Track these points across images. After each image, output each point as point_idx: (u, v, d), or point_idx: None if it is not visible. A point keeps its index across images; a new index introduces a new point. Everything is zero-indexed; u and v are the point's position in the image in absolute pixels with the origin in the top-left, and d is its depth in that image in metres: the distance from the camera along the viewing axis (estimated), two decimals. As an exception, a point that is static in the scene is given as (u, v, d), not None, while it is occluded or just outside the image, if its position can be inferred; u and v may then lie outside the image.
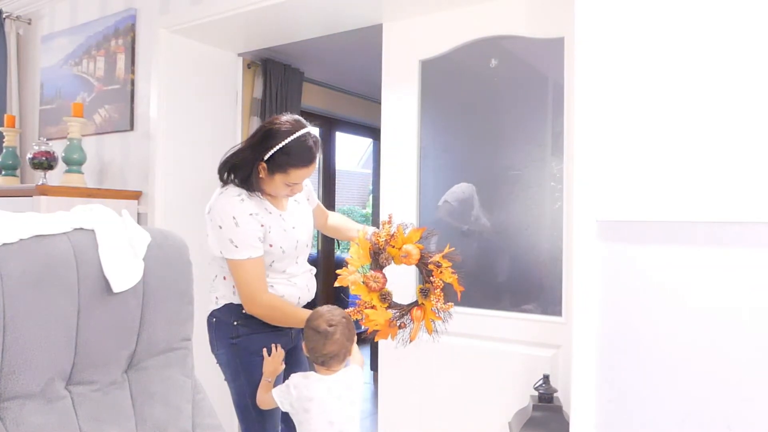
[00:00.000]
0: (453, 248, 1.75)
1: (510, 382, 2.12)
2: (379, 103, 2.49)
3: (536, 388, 1.91)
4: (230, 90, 3.07)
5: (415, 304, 1.76)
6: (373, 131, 5.47)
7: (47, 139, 2.97)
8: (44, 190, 2.48)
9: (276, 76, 4.05)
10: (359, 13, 2.43)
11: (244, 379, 1.75)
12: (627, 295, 1.57)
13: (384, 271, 1.74)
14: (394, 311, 1.75)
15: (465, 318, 2.25)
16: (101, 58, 2.99)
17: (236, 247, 1.66)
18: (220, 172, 1.79)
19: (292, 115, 1.74)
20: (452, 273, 1.72)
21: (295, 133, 1.68)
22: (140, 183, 2.80)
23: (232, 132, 3.07)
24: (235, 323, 1.74)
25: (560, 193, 2.09)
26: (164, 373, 1.23)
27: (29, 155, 2.75)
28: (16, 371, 0.98)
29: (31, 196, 2.49)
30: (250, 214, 1.69)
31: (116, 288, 1.11)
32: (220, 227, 1.67)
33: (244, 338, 1.75)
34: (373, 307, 1.72)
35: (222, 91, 3.02)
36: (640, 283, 1.55)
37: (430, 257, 1.73)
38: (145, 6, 2.82)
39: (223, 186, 1.77)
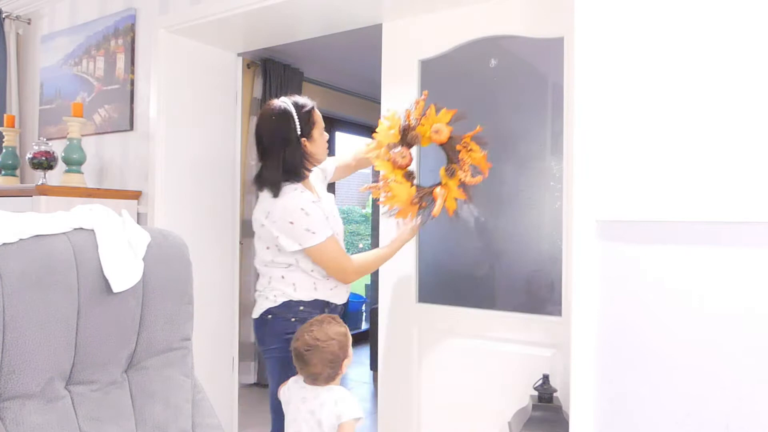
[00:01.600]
0: (481, 128, 1.82)
1: (509, 382, 2.12)
2: (379, 103, 2.49)
3: (536, 388, 1.91)
4: (230, 90, 3.07)
5: (438, 184, 1.80)
6: (372, 131, 5.46)
7: (47, 139, 2.97)
8: (44, 190, 2.48)
9: (275, 75, 4.05)
10: (359, 12, 2.43)
11: (292, 372, 1.80)
12: (626, 294, 1.57)
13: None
14: (418, 191, 1.81)
15: (464, 318, 2.25)
16: (101, 58, 2.99)
17: (314, 233, 1.75)
18: (272, 184, 1.79)
19: (268, 104, 1.87)
20: (481, 153, 1.78)
21: (287, 100, 1.84)
22: (140, 183, 2.80)
23: (232, 132, 3.07)
24: (293, 319, 1.80)
25: (560, 193, 2.09)
26: (164, 372, 1.23)
27: (29, 155, 2.75)
28: (16, 371, 0.98)
29: (31, 196, 2.50)
30: (313, 202, 1.79)
31: (116, 288, 1.11)
32: (291, 223, 1.74)
33: None
34: (397, 182, 1.80)
35: (222, 91, 3.02)
36: (640, 283, 1.55)
37: (459, 138, 1.79)
38: (145, 6, 2.82)
39: (277, 192, 1.79)
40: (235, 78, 3.09)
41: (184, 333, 1.29)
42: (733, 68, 1.43)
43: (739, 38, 1.42)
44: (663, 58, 1.52)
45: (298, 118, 1.80)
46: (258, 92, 4.04)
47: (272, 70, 4.03)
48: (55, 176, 2.88)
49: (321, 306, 1.84)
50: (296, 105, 1.83)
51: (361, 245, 8.34)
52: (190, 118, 2.85)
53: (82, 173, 2.76)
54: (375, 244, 5.20)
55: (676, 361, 1.50)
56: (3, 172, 3.00)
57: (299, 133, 1.80)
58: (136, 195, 2.78)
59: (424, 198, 1.81)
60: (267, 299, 1.83)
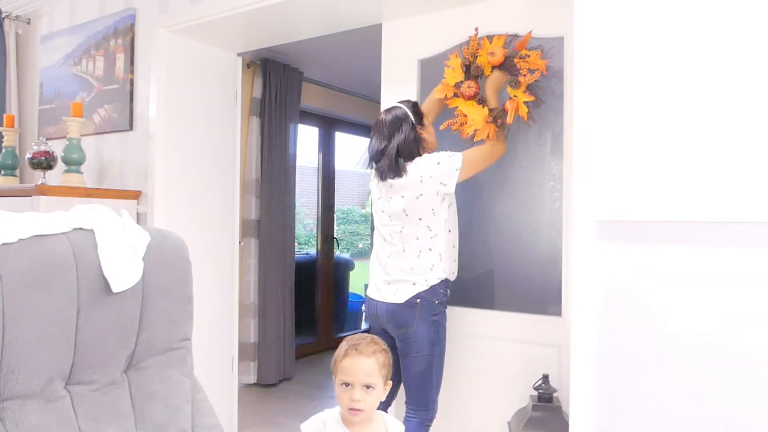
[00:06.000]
0: (531, 33, 2.00)
1: (509, 382, 2.12)
2: (379, 103, 2.49)
3: (536, 388, 1.91)
4: (229, 90, 3.07)
5: (507, 98, 1.96)
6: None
7: (46, 139, 2.97)
8: (43, 190, 2.48)
9: (275, 75, 4.05)
10: (359, 12, 2.43)
11: (437, 350, 2.00)
12: (626, 294, 1.57)
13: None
14: (491, 112, 1.98)
15: (464, 317, 2.25)
16: (100, 58, 2.99)
17: (452, 155, 1.96)
18: (393, 167, 1.98)
19: (388, 109, 2.09)
20: (538, 56, 1.93)
21: (398, 102, 2.09)
22: (139, 183, 2.80)
23: (232, 132, 3.07)
24: (437, 302, 1.98)
25: (560, 192, 2.09)
26: (164, 372, 1.22)
27: (28, 155, 2.75)
28: (16, 371, 0.98)
29: (31, 196, 2.49)
30: None
31: (115, 288, 1.11)
32: (438, 163, 1.95)
33: (440, 315, 2.01)
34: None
35: (221, 91, 3.02)
36: (640, 283, 1.55)
37: (514, 53, 1.96)
38: (144, 6, 2.82)
39: (400, 171, 1.98)
40: (234, 78, 3.09)
41: (184, 333, 1.28)
42: (732, 69, 1.43)
43: (738, 39, 1.42)
44: (663, 58, 1.52)
45: (413, 113, 2.04)
46: (258, 92, 4.04)
47: (272, 70, 4.03)
48: (55, 176, 2.88)
49: (448, 284, 2.03)
50: (404, 101, 2.08)
51: (360, 245, 8.34)
52: (190, 118, 2.85)
53: (82, 173, 2.76)
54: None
55: (675, 360, 1.50)
56: (2, 172, 3.00)
57: (416, 126, 2.03)
58: (135, 195, 2.78)
59: (498, 115, 1.96)
60: (415, 285, 1.97)
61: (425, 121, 2.06)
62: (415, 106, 2.06)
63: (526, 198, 2.19)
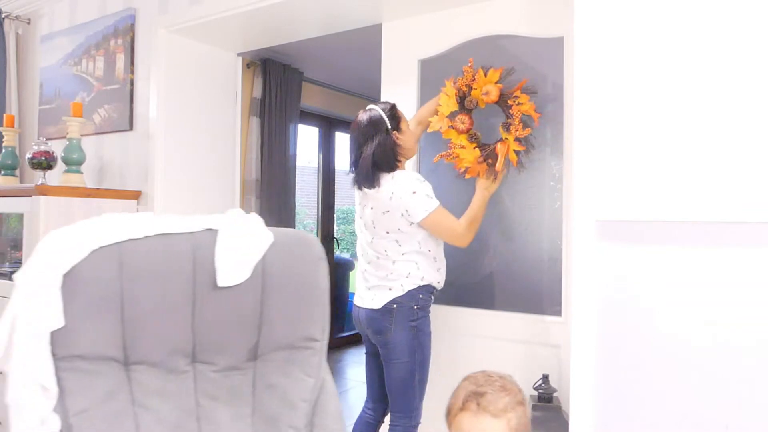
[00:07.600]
0: (527, 79, 1.95)
1: (509, 382, 2.12)
2: (379, 103, 2.49)
3: (536, 388, 1.91)
4: (230, 90, 3.07)
5: (499, 140, 1.95)
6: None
7: (46, 139, 2.97)
8: (43, 190, 2.48)
9: (275, 75, 4.04)
10: (359, 12, 2.43)
11: (418, 356, 1.94)
12: (626, 295, 1.57)
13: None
14: (483, 150, 1.96)
15: (464, 317, 2.25)
16: (100, 58, 2.99)
17: (431, 198, 1.89)
18: (368, 177, 1.92)
19: (358, 116, 2.00)
20: (530, 102, 1.91)
21: (372, 106, 2.00)
22: (139, 183, 2.80)
23: (232, 132, 3.07)
24: (415, 307, 1.93)
25: (560, 193, 2.09)
26: (285, 368, 1.23)
27: (28, 155, 2.75)
28: (137, 340, 1.09)
29: (31, 196, 2.49)
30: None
31: (221, 282, 1.16)
32: (414, 192, 1.88)
33: (420, 320, 1.95)
34: (462, 147, 1.96)
35: (221, 91, 3.02)
36: (640, 283, 1.55)
37: (510, 94, 1.93)
38: (145, 6, 2.82)
39: (373, 183, 1.93)
40: (234, 78, 3.09)
41: (310, 333, 1.26)
42: (732, 69, 1.43)
43: (738, 39, 1.42)
44: (663, 58, 1.51)
45: (388, 116, 1.96)
46: (258, 92, 4.03)
47: (272, 70, 4.02)
48: (55, 176, 2.88)
49: (431, 290, 1.98)
50: (381, 104, 2.02)
51: (360, 245, 8.33)
52: (190, 118, 2.85)
53: (82, 173, 2.76)
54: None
55: (675, 360, 1.50)
56: (2, 172, 3.00)
57: (391, 131, 1.95)
58: (135, 195, 2.78)
59: (489, 155, 1.95)
60: (391, 290, 1.93)
61: (402, 125, 1.98)
62: (392, 110, 1.98)
63: (526, 198, 2.19)
